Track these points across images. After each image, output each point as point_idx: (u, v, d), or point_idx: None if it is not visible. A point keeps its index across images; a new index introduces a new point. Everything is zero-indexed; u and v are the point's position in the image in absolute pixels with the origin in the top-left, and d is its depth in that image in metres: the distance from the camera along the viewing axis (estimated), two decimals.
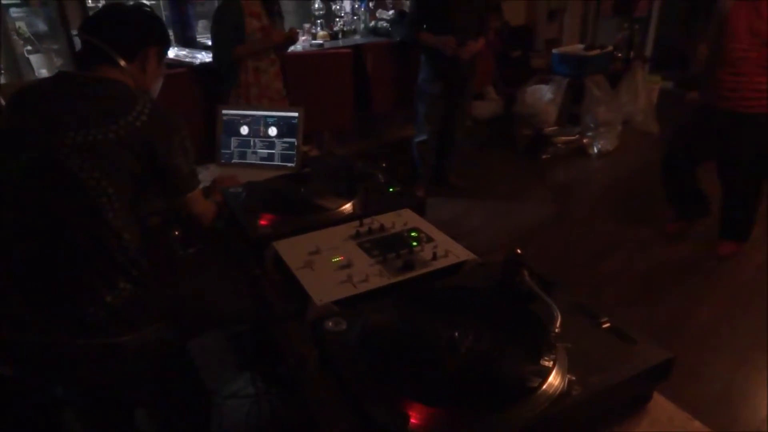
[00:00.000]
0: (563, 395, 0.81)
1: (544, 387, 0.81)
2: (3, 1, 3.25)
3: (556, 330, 0.89)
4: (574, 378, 0.83)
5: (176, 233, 3.02)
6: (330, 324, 0.99)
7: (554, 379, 0.83)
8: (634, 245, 3.31)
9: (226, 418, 2.04)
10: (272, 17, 3.06)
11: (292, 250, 1.27)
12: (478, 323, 0.95)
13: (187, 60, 3.37)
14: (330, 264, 1.20)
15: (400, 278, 1.14)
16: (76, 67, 1.29)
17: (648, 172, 4.35)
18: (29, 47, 3.42)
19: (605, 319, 0.97)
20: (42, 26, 3.45)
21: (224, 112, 2.08)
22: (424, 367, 0.88)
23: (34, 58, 3.41)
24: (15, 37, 3.36)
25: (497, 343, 0.91)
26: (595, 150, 4.67)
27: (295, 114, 2.02)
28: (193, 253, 3.03)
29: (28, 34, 3.42)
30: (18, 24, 3.37)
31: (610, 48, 4.88)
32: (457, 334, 0.92)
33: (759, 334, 2.48)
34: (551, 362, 0.85)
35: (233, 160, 2.06)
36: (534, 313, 0.97)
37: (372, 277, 1.14)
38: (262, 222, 1.41)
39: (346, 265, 1.19)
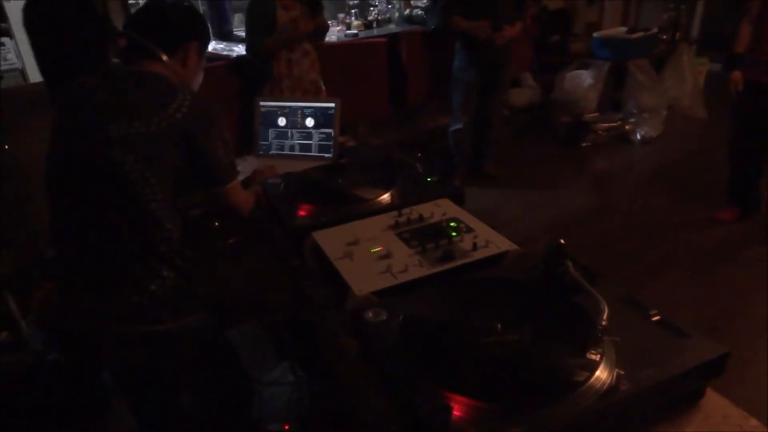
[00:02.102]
0: (611, 390, 0.78)
1: (591, 381, 0.79)
2: None
3: (603, 323, 0.86)
4: (622, 372, 0.80)
5: (216, 224, 3.09)
6: (370, 314, 0.98)
7: (602, 373, 0.80)
8: (682, 234, 3.20)
9: (267, 405, 2.08)
10: (312, 8, 3.04)
11: (331, 240, 1.27)
12: (521, 315, 0.93)
13: (225, 53, 3.42)
14: (369, 254, 1.20)
15: (440, 269, 1.13)
16: (122, 63, 1.33)
17: (695, 159, 4.21)
18: None
19: (654, 312, 0.93)
20: None
21: (262, 104, 2.10)
22: (466, 359, 0.87)
23: None
24: None
25: (541, 335, 0.89)
26: (639, 137, 4.52)
27: (332, 105, 2.01)
28: (233, 243, 3.09)
29: None
30: None
31: (655, 30, 4.69)
32: (499, 325, 0.90)
33: None
34: (598, 356, 0.82)
35: (271, 152, 2.08)
36: (579, 306, 0.94)
37: (411, 267, 1.13)
38: (301, 212, 1.42)
39: (385, 256, 1.18)
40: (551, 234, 3.24)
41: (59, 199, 1.26)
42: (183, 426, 1.50)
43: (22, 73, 3.32)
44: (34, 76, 3.41)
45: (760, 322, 2.45)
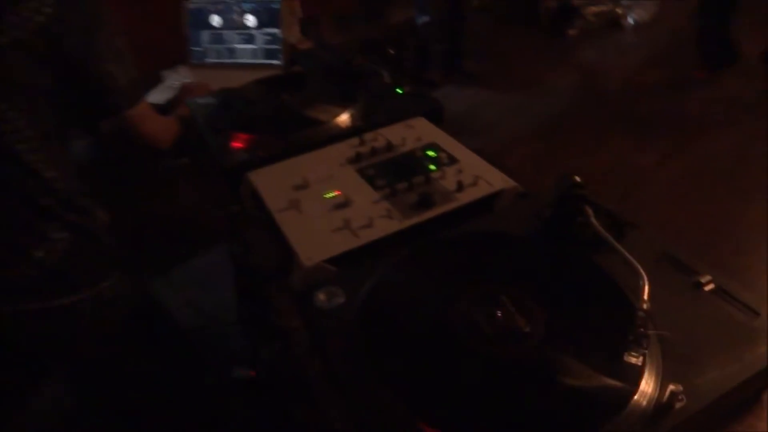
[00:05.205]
0: (661, 410, 0.55)
1: (632, 403, 0.55)
2: None
3: (645, 305, 0.61)
4: (678, 388, 0.56)
5: None
6: (321, 297, 0.72)
7: (646, 386, 0.56)
8: (681, 135, 2.90)
9: (233, 345, 1.89)
10: None
11: (272, 182, 0.98)
12: (527, 293, 0.68)
13: None
14: (322, 202, 0.91)
15: (415, 220, 0.85)
16: None
17: (691, 43, 3.83)
18: None
19: (708, 278, 0.68)
20: None
21: None
22: (448, 369, 0.62)
23: None
24: None
25: (557, 328, 0.64)
26: (631, 21, 4.10)
27: None
28: (187, 163, 2.74)
29: None
30: None
31: None
32: (499, 313, 0.65)
33: None
34: (640, 359, 0.58)
35: (206, 59, 1.70)
36: (611, 280, 0.68)
37: (378, 219, 0.86)
38: (236, 143, 1.10)
39: (344, 204, 0.90)
40: (537, 138, 2.96)
41: None
42: (122, 397, 1.28)
43: None
44: None
45: None
